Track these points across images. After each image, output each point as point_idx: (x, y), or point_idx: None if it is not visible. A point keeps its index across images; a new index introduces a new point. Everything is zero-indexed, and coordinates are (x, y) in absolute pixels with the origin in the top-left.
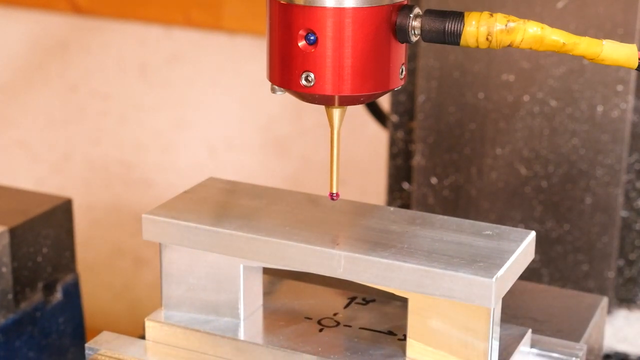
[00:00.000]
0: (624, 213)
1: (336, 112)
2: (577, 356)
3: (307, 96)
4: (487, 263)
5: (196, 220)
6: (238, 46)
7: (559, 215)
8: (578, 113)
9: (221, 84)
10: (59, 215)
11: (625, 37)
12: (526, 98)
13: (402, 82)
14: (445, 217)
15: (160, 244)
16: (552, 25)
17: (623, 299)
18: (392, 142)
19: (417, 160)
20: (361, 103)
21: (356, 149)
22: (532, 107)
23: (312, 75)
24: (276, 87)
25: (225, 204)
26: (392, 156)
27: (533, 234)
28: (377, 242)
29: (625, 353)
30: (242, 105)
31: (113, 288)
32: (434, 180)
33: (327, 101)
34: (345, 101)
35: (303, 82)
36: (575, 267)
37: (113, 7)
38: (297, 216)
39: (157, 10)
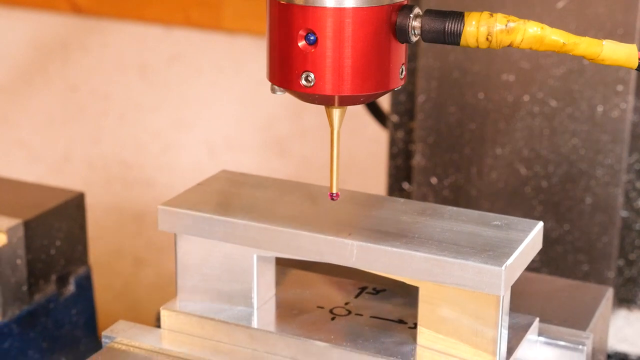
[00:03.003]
0: (624, 213)
1: (336, 112)
2: (583, 344)
3: (307, 96)
4: (497, 252)
5: (210, 210)
6: (238, 46)
7: (559, 215)
8: (578, 113)
9: (221, 84)
10: (71, 209)
11: (625, 37)
12: (526, 98)
13: (402, 82)
14: (455, 208)
15: (175, 235)
16: (552, 25)
17: (623, 299)
18: (392, 142)
19: (417, 160)
20: (361, 103)
21: (356, 149)
22: (532, 107)
23: (312, 75)
24: (276, 87)
25: (238, 195)
26: (392, 156)
27: (541, 224)
28: (389, 232)
29: (625, 353)
30: (242, 105)
31: (113, 288)
32: (434, 180)
33: (327, 101)
34: (345, 101)
35: (303, 82)
36: (575, 267)
37: (113, 7)
38: (310, 207)
39: (157, 10)
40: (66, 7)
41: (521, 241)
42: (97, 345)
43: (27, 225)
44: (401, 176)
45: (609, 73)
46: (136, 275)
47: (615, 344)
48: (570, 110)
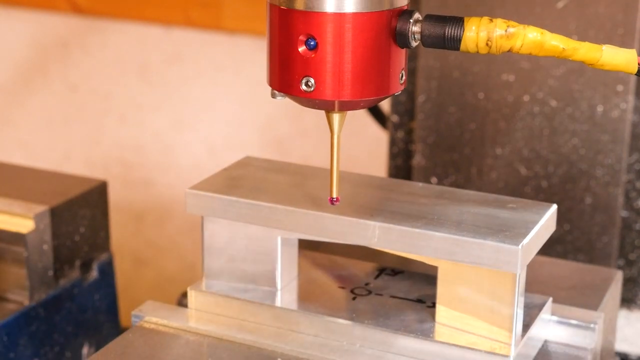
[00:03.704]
0: (624, 213)
1: (336, 116)
2: (595, 323)
3: (307, 101)
4: (513, 232)
5: (236, 194)
6: (238, 46)
7: (559, 215)
8: (578, 113)
9: (221, 84)
10: (95, 197)
11: (625, 36)
12: (526, 98)
13: (402, 87)
14: (471, 192)
15: (202, 217)
16: (552, 25)
17: (623, 299)
18: (392, 142)
19: (417, 160)
20: (361, 108)
21: (356, 149)
22: (532, 107)
23: (312, 80)
24: (276, 92)
25: (263, 179)
26: (392, 156)
27: (554, 207)
28: (409, 214)
29: (625, 353)
30: (242, 105)
31: None
32: (434, 180)
33: (327, 106)
34: (345, 106)
35: (303, 87)
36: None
37: (113, 7)
38: None
39: (157, 10)
40: (66, 7)
41: (536, 222)
42: (118, 330)
43: (54, 212)
44: (401, 176)
45: (609, 73)
46: (136, 275)
47: (616, 343)
48: (570, 110)
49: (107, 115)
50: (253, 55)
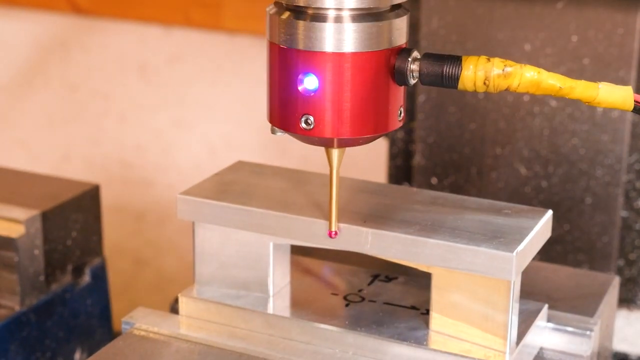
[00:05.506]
0: (624, 213)
1: (335, 152)
2: (591, 330)
3: (307, 138)
4: (508, 238)
5: (228, 199)
6: (238, 46)
7: (559, 215)
8: (578, 113)
9: (221, 84)
10: (87, 201)
11: (625, 36)
12: (526, 98)
13: (401, 124)
14: (465, 197)
15: (193, 223)
16: (552, 25)
17: (623, 299)
18: (392, 142)
19: (417, 160)
20: (360, 144)
21: (356, 149)
22: (532, 107)
23: (311, 118)
24: (276, 128)
25: (255, 184)
26: (392, 156)
27: (550, 212)
28: (402, 220)
29: (625, 353)
30: (242, 105)
31: (113, 288)
32: (434, 180)
33: (326, 143)
34: (344, 143)
35: (303, 125)
36: (576, 267)
37: (113, 7)
38: (324, 196)
39: (156, 10)
40: (66, 7)
41: (531, 228)
42: (111, 335)
43: (45, 216)
44: (401, 176)
45: (608, 73)
46: (136, 275)
47: (616, 344)
48: (570, 110)
49: (107, 115)
50: (253, 55)
